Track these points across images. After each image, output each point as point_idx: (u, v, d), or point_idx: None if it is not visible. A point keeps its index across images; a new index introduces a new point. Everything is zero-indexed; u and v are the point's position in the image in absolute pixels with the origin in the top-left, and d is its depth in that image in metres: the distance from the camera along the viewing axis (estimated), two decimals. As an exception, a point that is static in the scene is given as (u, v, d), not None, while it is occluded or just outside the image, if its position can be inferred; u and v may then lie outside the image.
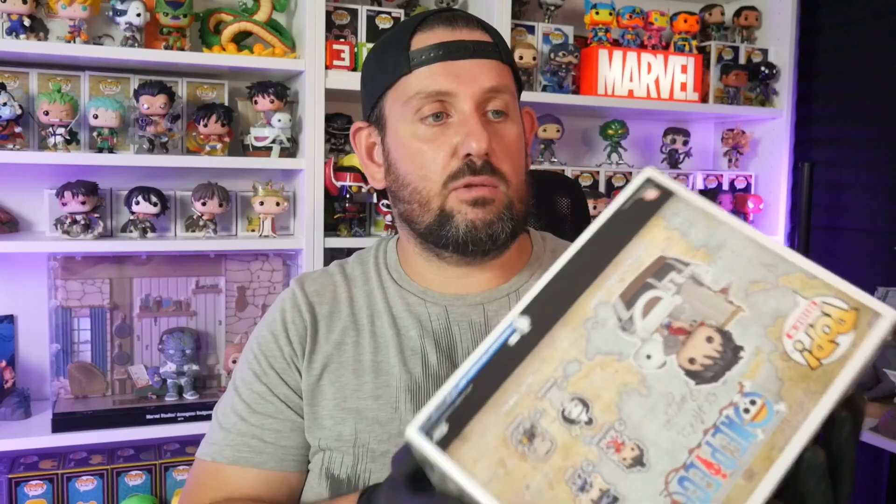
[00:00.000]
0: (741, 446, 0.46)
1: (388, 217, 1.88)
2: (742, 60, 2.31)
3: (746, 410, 0.47)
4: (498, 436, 0.48)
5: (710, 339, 0.49)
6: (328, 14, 1.82)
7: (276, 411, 0.90)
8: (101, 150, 1.69)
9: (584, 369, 0.49)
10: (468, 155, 0.83)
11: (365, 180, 1.81)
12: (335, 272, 0.98)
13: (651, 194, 0.54)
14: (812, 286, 0.51)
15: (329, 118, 1.87)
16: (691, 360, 0.49)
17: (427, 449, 0.48)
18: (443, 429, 0.48)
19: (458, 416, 0.48)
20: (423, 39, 0.87)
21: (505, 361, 0.50)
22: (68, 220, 1.65)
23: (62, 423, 1.62)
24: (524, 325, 0.50)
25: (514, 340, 0.50)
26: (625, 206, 0.54)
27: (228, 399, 0.94)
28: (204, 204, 1.75)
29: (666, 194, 0.54)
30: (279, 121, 1.78)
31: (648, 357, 0.49)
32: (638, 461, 0.46)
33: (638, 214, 0.53)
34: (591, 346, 0.50)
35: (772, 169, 2.34)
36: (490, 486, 0.46)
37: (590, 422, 0.48)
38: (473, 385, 0.49)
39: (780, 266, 0.51)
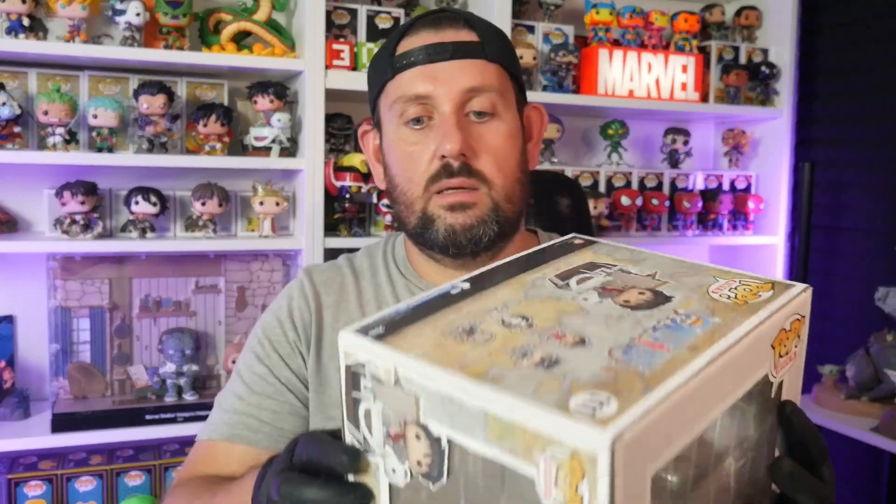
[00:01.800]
0: (682, 336, 0.47)
1: (388, 217, 1.87)
2: (742, 60, 2.31)
3: (684, 320, 0.49)
4: (436, 331, 0.47)
5: (641, 293, 0.53)
6: (328, 14, 1.82)
7: (275, 393, 0.91)
8: (100, 150, 1.69)
9: (525, 303, 0.51)
10: (444, 157, 0.84)
11: (364, 180, 1.81)
12: (343, 265, 0.99)
13: (578, 241, 0.62)
14: (729, 275, 0.57)
15: (329, 118, 1.87)
16: (626, 301, 0.52)
17: (359, 343, 0.47)
18: (379, 329, 0.48)
19: (396, 324, 0.48)
20: (408, 44, 0.88)
21: (446, 301, 0.51)
22: (67, 220, 1.65)
23: (61, 423, 1.62)
24: (465, 285, 0.54)
25: (454, 291, 0.53)
26: (555, 245, 0.61)
27: (230, 384, 0.95)
28: (203, 204, 1.74)
29: (590, 242, 0.62)
30: (279, 121, 1.77)
31: (585, 299, 0.52)
32: (580, 343, 0.46)
33: (568, 248, 0.61)
34: (528, 295, 0.53)
35: (772, 169, 2.34)
36: (425, 357, 0.44)
37: (530, 325, 0.48)
38: (413, 310, 0.50)
39: (700, 267, 0.58)
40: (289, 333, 0.93)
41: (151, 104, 1.68)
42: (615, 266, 0.57)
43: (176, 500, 0.83)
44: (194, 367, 1.73)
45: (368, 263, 0.99)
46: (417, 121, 0.86)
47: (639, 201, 2.15)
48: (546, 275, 0.56)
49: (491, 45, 0.88)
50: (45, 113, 1.62)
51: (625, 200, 2.13)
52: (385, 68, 0.89)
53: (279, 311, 0.95)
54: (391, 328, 0.48)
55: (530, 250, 0.61)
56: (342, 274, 0.97)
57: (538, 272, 0.56)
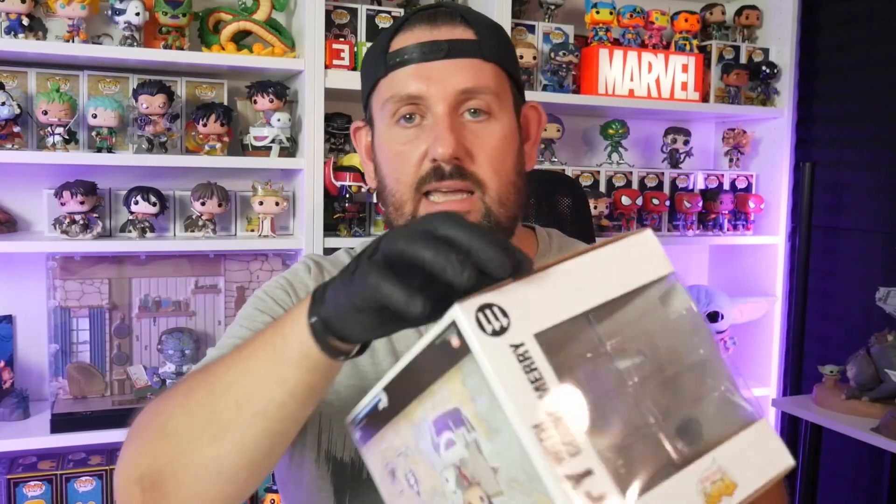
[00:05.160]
0: None
1: (388, 217, 1.87)
2: (743, 60, 2.30)
3: None
4: (379, 462, 0.57)
5: (481, 499, 0.51)
6: (328, 13, 1.82)
7: None
8: (99, 150, 1.68)
9: (414, 457, 0.55)
10: (435, 160, 0.82)
11: (364, 180, 1.81)
12: (345, 260, 0.98)
13: (455, 341, 0.49)
14: None
15: (328, 118, 1.86)
16: None
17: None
18: (357, 433, 0.58)
19: (363, 432, 0.58)
20: (402, 41, 0.86)
21: (377, 418, 0.56)
22: (67, 220, 1.64)
23: (61, 423, 1.61)
24: (385, 399, 0.56)
25: (381, 406, 0.56)
26: (436, 342, 0.51)
27: (228, 333, 0.89)
28: (203, 204, 1.74)
29: (464, 349, 0.49)
30: (278, 120, 1.77)
31: (447, 480, 0.52)
32: None
33: (444, 357, 0.51)
34: (417, 446, 0.54)
35: (773, 169, 2.34)
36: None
37: (418, 493, 0.55)
38: (366, 419, 0.57)
39: (536, 483, 0.48)
40: (293, 300, 0.90)
41: (151, 104, 1.68)
42: (474, 432, 0.50)
43: (182, 385, 0.69)
44: (194, 368, 1.73)
45: None
46: (409, 118, 0.84)
47: (639, 201, 2.15)
48: (428, 415, 0.52)
49: (488, 44, 0.85)
50: (45, 112, 1.62)
51: (625, 200, 2.13)
52: (378, 65, 0.87)
53: (282, 281, 0.92)
54: (363, 435, 0.57)
55: (422, 345, 0.52)
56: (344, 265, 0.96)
57: (424, 403, 0.52)
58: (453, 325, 0.49)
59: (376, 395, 0.56)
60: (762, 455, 0.57)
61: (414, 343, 0.52)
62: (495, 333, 0.48)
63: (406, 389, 0.53)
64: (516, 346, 0.48)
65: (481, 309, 0.48)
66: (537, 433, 0.46)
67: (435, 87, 0.83)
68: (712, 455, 0.53)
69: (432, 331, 0.50)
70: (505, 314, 0.48)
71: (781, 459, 0.58)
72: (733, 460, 0.54)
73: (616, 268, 0.54)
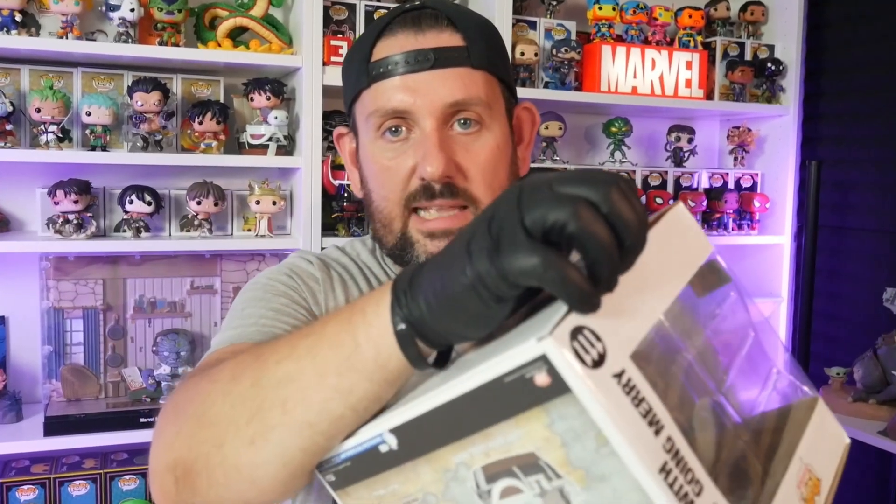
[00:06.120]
0: None
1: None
2: (748, 56, 2.28)
3: None
4: None
5: None
6: (326, 9, 1.79)
7: (305, 320, 0.81)
8: (93, 148, 1.66)
9: None
10: (424, 178, 0.78)
11: (363, 179, 1.78)
12: (340, 255, 0.94)
13: (541, 379, 0.40)
14: None
15: (327, 115, 1.83)
16: None
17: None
18: (330, 477, 0.53)
19: (342, 477, 0.52)
20: (385, 48, 0.81)
21: (374, 461, 0.49)
22: (60, 220, 1.62)
23: (54, 426, 1.59)
24: (392, 442, 0.48)
25: (383, 449, 0.48)
26: (507, 379, 0.41)
27: (239, 312, 0.80)
28: (199, 203, 1.71)
29: (556, 388, 0.40)
30: (276, 118, 1.75)
31: None
32: None
33: (519, 396, 0.41)
34: (448, 492, 0.47)
35: (778, 167, 2.31)
36: None
37: None
38: (351, 463, 0.51)
39: None
40: (301, 285, 0.86)
41: (146, 101, 1.65)
42: (558, 479, 0.42)
43: (228, 365, 0.60)
44: (189, 369, 1.71)
45: (361, 259, 0.95)
46: (395, 131, 0.81)
47: (642, 200, 2.12)
48: (475, 461, 0.45)
49: (476, 49, 0.80)
50: (38, 110, 1.59)
51: (628, 199, 2.10)
52: (360, 74, 0.82)
53: (283, 269, 0.88)
54: (341, 480, 0.52)
55: (481, 380, 0.42)
56: (343, 262, 0.93)
57: (468, 448, 0.45)
58: (542, 359, 0.39)
59: (375, 437, 0.49)
60: (827, 440, 0.54)
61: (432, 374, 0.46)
62: (595, 364, 0.39)
63: (434, 433, 0.45)
64: (619, 376, 0.40)
65: (573, 335, 0.39)
66: (665, 478, 0.39)
67: (422, 101, 0.78)
68: (798, 454, 0.50)
69: (485, 366, 0.41)
70: (598, 337, 0.40)
71: (841, 439, 0.55)
72: (812, 454, 0.51)
73: (667, 253, 0.48)
